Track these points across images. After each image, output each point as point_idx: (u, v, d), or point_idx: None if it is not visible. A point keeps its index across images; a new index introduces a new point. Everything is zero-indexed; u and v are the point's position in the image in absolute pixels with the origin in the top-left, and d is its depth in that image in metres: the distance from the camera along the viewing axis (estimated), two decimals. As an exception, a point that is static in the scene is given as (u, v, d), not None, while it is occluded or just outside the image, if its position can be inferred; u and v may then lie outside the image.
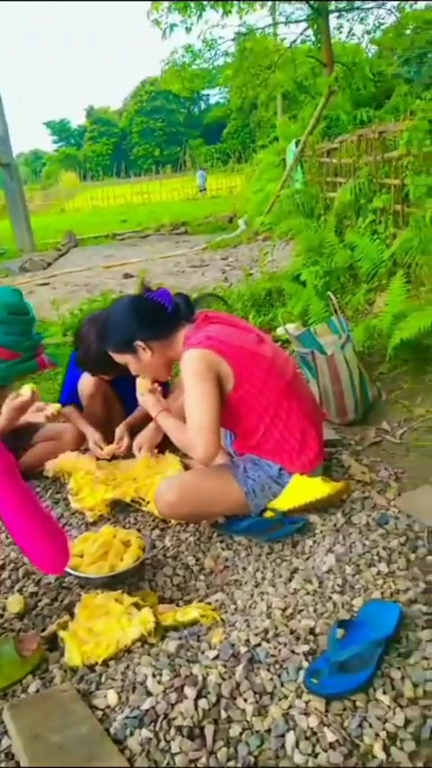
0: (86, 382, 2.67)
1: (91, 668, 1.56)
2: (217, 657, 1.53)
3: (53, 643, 1.68)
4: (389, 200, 4.33)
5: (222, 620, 1.70)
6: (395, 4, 11.48)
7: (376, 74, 9.42)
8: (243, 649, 1.54)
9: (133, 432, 2.68)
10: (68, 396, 2.78)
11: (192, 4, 10.49)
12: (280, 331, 4.14)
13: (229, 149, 33.88)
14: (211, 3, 10.48)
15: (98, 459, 2.62)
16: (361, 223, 4.76)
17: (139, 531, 2.23)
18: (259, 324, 4.47)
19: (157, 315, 2.04)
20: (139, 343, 2.02)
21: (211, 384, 1.89)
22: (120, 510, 2.38)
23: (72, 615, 1.74)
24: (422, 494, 2.22)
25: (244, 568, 1.93)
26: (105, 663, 1.57)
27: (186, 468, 2.40)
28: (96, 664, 1.56)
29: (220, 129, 41.31)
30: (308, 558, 1.90)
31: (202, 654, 1.56)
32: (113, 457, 2.65)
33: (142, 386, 2.17)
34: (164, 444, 2.51)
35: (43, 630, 1.73)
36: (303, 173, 7.71)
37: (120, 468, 2.58)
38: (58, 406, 2.62)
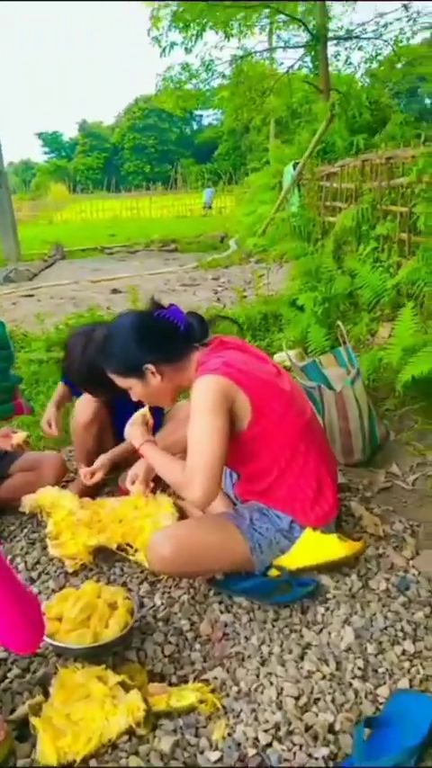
0: (84, 411, 2.41)
1: (67, 768, 1.30)
2: (220, 760, 1.29)
3: (23, 729, 1.41)
4: (394, 227, 4.17)
5: (224, 706, 1.45)
6: (392, 36, 11.48)
7: (372, 102, 9.41)
8: (251, 751, 1.29)
9: (118, 467, 2.44)
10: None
11: (192, 24, 10.45)
12: (278, 357, 3.94)
13: (220, 170, 34.01)
14: (213, 24, 10.45)
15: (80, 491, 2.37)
16: (362, 250, 4.60)
17: (125, 584, 1.97)
18: (254, 349, 4.26)
19: (168, 335, 1.79)
20: (148, 366, 1.77)
21: (222, 417, 1.65)
22: (104, 558, 2.11)
23: (46, 693, 1.47)
24: (442, 553, 2.00)
25: (246, 638, 1.68)
26: (85, 760, 1.31)
27: (181, 511, 2.15)
28: (74, 762, 1.30)
29: (212, 149, 41.55)
30: (321, 630, 1.66)
31: (201, 754, 1.31)
32: (94, 494, 2.41)
33: (136, 416, 1.93)
34: (159, 480, 2.25)
35: (12, 712, 1.46)
36: (300, 196, 7.59)
37: (105, 507, 2.32)
38: (25, 434, 2.36)
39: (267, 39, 13.41)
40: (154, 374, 1.76)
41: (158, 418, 2.27)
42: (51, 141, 60.56)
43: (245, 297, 5.23)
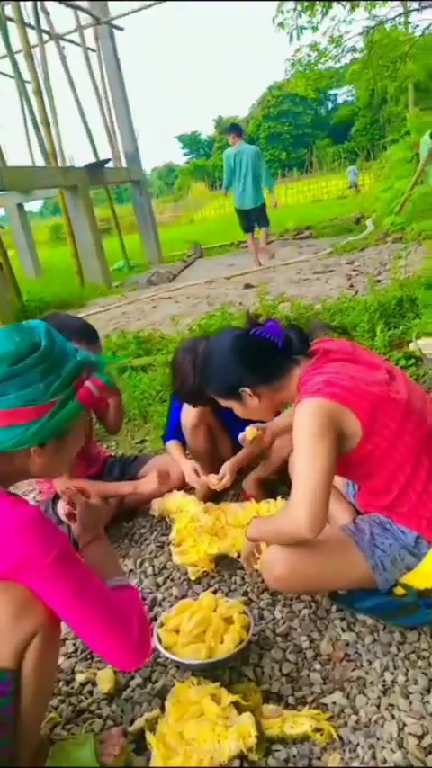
0: (189, 414, 2.45)
1: (179, 788, 1.30)
2: (332, 798, 1.21)
3: (141, 741, 1.44)
4: None
5: (340, 737, 1.36)
6: None
7: None
8: (366, 792, 1.20)
9: (242, 471, 2.43)
10: (173, 431, 2.58)
11: (318, 4, 10.09)
12: (413, 347, 3.68)
13: (357, 147, 32.77)
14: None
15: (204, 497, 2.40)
16: None
17: (246, 594, 1.95)
18: (389, 338, 4.01)
19: (265, 355, 1.73)
20: (245, 389, 1.74)
21: (328, 443, 1.54)
22: (226, 565, 2.11)
23: (163, 707, 1.49)
24: None
25: (369, 662, 1.57)
26: (196, 782, 1.31)
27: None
28: (185, 783, 1.30)
29: (348, 128, 40.21)
30: (452, 660, 1.50)
31: (313, 790, 1.24)
32: (218, 498, 2.41)
33: (249, 432, 1.92)
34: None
35: (132, 722, 1.50)
36: (439, 167, 7.05)
37: (228, 512, 2.32)
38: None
39: (401, 2, 12.58)
40: (251, 396, 1.72)
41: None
42: (190, 142, 62.39)
43: (378, 282, 4.95)
